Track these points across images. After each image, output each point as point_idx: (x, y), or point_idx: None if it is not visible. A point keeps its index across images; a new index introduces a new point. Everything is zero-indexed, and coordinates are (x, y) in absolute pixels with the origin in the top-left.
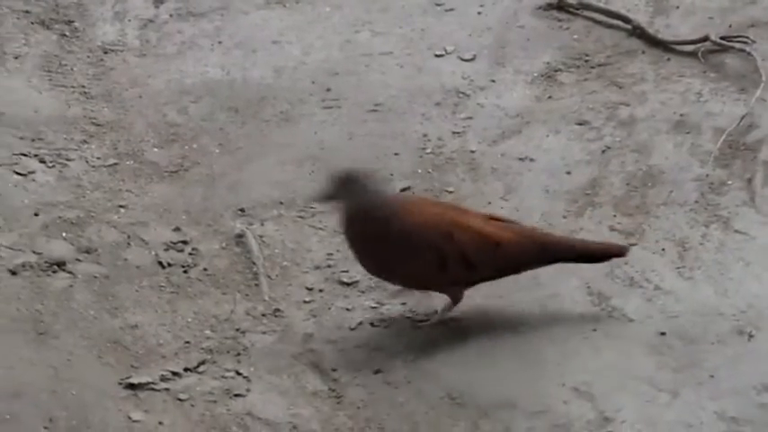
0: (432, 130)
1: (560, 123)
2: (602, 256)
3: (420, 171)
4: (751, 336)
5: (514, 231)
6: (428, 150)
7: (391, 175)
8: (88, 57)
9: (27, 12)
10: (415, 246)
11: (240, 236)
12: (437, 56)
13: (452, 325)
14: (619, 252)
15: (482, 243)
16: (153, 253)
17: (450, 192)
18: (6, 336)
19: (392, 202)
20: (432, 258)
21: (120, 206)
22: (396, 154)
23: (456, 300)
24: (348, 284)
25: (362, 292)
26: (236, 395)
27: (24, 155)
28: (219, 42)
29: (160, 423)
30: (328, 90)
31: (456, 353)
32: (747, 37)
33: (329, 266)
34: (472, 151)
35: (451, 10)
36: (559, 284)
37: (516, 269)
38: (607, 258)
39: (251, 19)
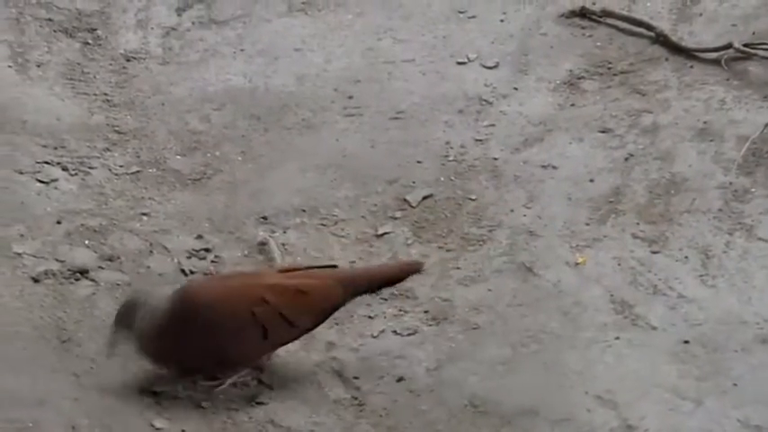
0: (454, 138)
1: (583, 131)
2: (401, 276)
3: (442, 179)
4: None
5: (315, 276)
6: (451, 158)
7: (413, 182)
8: (111, 65)
9: (50, 20)
10: (234, 323)
11: (263, 243)
12: (460, 63)
13: (475, 333)
14: (416, 269)
15: (292, 296)
16: (175, 260)
17: (473, 199)
18: (29, 343)
19: (181, 296)
20: (254, 329)
21: (143, 214)
22: (418, 161)
23: (263, 368)
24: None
25: (385, 299)
26: (258, 403)
27: (47, 163)
28: (242, 50)
29: (182, 431)
30: (350, 98)
31: (478, 361)
32: None
33: None
34: (495, 159)
35: (474, 17)
36: (582, 292)
37: (330, 311)
38: (406, 276)
39: (273, 27)
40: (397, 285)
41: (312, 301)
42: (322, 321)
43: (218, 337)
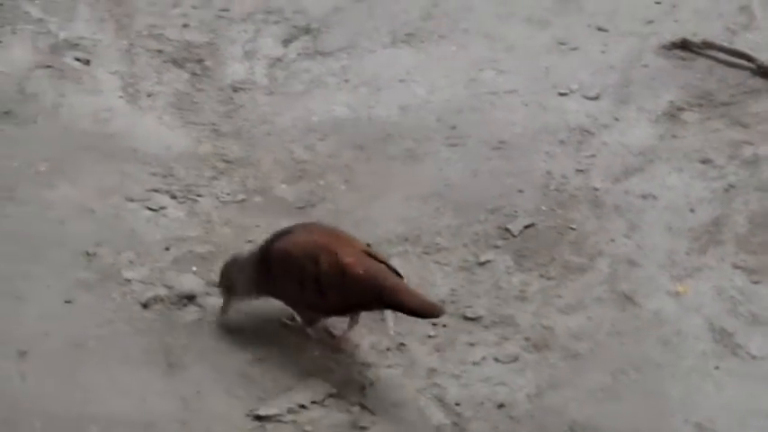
0: (555, 168)
1: (683, 162)
2: (422, 313)
3: (544, 208)
4: None
5: (366, 267)
6: (552, 187)
7: (515, 211)
8: (218, 95)
9: (160, 51)
10: (289, 266)
11: None
12: (561, 94)
13: (575, 361)
14: (435, 314)
15: (334, 269)
16: None
17: (574, 228)
18: (138, 367)
19: (263, 244)
20: (295, 278)
21: (249, 241)
22: (520, 191)
23: (309, 323)
24: (472, 319)
25: (486, 327)
26: (362, 428)
27: (156, 191)
28: (346, 81)
29: None
30: (453, 128)
31: (579, 388)
32: None
33: (453, 302)
34: (596, 188)
35: (576, 49)
36: (682, 321)
37: (358, 304)
38: (425, 317)
39: (377, 58)
40: (497, 312)
41: (346, 285)
42: (348, 310)
43: (278, 275)
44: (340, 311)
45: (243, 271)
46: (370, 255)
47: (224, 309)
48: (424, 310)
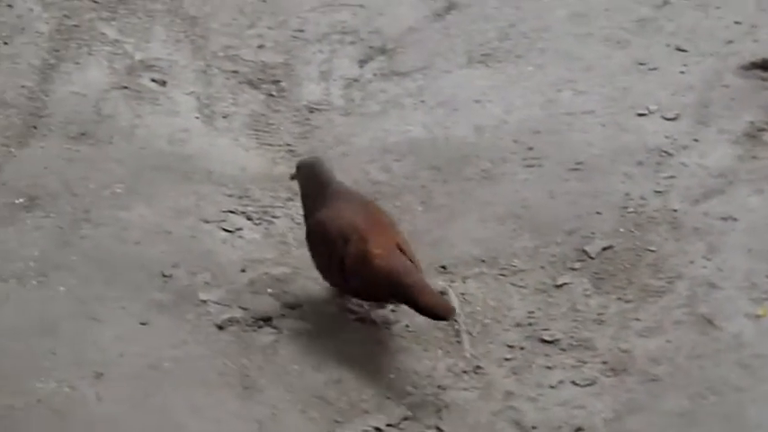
0: (634, 189)
1: (764, 183)
2: (433, 314)
3: (622, 230)
4: None
5: (389, 260)
6: (630, 209)
7: (593, 233)
8: (294, 115)
9: (236, 72)
10: (322, 240)
11: (442, 293)
12: (640, 115)
13: (654, 385)
14: (444, 316)
15: (359, 255)
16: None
17: (653, 250)
18: (214, 389)
19: (331, 194)
20: (331, 256)
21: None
22: (597, 213)
23: (338, 302)
24: (549, 342)
25: (563, 350)
26: None
27: (232, 212)
28: (422, 101)
29: None
30: (530, 149)
31: (657, 413)
32: None
33: (530, 324)
34: (674, 210)
35: (654, 69)
36: (763, 345)
37: (373, 295)
38: (436, 318)
39: (453, 78)
40: (574, 335)
41: (366, 273)
42: (365, 298)
43: (312, 243)
44: (359, 297)
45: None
46: (401, 248)
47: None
48: (435, 311)
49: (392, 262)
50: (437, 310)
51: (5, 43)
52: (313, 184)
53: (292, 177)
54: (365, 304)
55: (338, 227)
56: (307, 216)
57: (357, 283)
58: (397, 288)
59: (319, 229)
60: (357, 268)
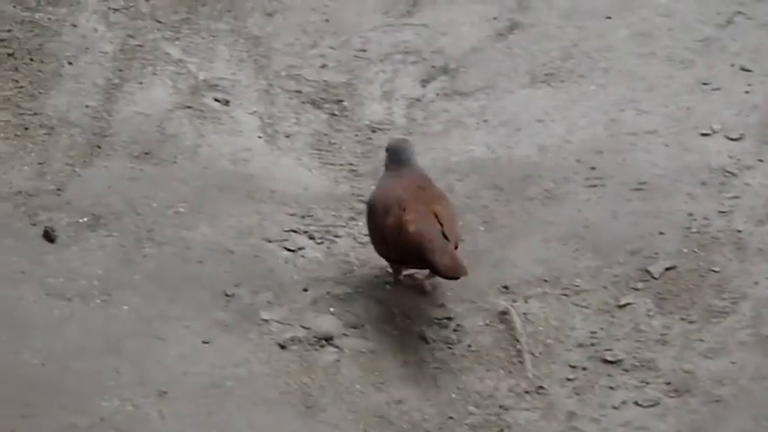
0: (697, 210)
1: None
2: (444, 275)
3: (685, 250)
4: None
5: (419, 229)
6: (693, 230)
7: (656, 253)
8: (356, 135)
9: (298, 92)
10: (372, 215)
11: (504, 313)
12: (703, 135)
13: (717, 406)
14: (454, 275)
15: (396, 223)
16: (418, 329)
17: (716, 271)
18: (276, 408)
19: (393, 175)
20: (377, 228)
21: (387, 282)
22: (661, 233)
23: (394, 272)
24: (612, 363)
25: (626, 370)
26: None
27: (294, 231)
28: (485, 121)
29: None
30: (593, 168)
31: None
32: None
33: (593, 344)
34: (739, 231)
35: (718, 89)
36: None
37: (408, 258)
38: (447, 278)
39: (516, 98)
40: (637, 356)
41: (399, 241)
42: (404, 263)
43: (369, 224)
44: (399, 262)
45: None
46: (437, 216)
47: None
48: (446, 272)
49: (420, 227)
50: (447, 272)
51: (70, 63)
52: (391, 163)
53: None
54: (415, 274)
55: (384, 201)
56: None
57: (395, 249)
58: (420, 251)
59: (371, 205)
60: (394, 235)
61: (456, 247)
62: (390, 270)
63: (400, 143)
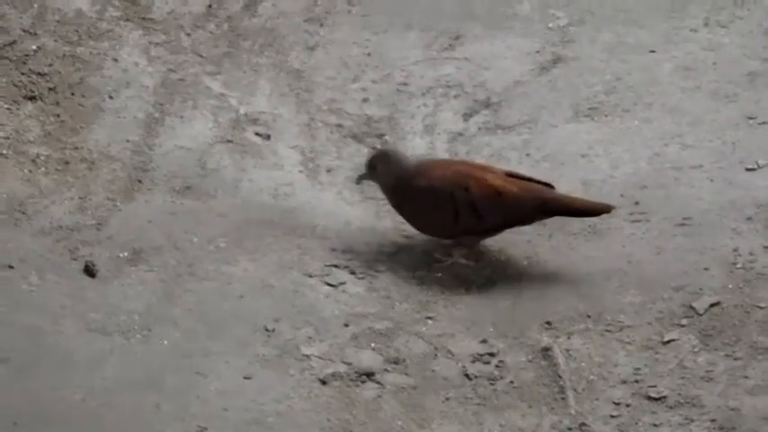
0: (743, 245)
1: None
2: (591, 211)
3: (730, 286)
4: None
5: (519, 186)
6: (739, 265)
7: (700, 289)
8: None
9: (340, 126)
10: (435, 197)
11: (547, 349)
12: (748, 170)
13: None
14: (606, 210)
15: (488, 193)
16: (460, 365)
17: (762, 307)
18: None
19: (418, 164)
20: (448, 208)
21: (428, 318)
22: (705, 268)
23: (470, 247)
24: (656, 399)
25: (671, 407)
26: None
27: (335, 266)
28: (527, 155)
29: None
30: (636, 203)
31: None
32: None
33: (636, 381)
34: None
35: (764, 123)
36: None
37: (519, 220)
38: (595, 214)
39: (559, 132)
40: (682, 393)
41: (502, 203)
42: (506, 227)
43: (421, 205)
44: (498, 230)
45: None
46: (512, 175)
47: (359, 179)
48: (593, 209)
49: (521, 186)
50: (594, 208)
51: (111, 97)
52: (392, 169)
53: (360, 178)
54: (454, 252)
55: (446, 180)
56: (395, 191)
57: (496, 217)
58: (543, 203)
59: (428, 189)
60: (492, 204)
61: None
62: (451, 253)
63: (389, 149)
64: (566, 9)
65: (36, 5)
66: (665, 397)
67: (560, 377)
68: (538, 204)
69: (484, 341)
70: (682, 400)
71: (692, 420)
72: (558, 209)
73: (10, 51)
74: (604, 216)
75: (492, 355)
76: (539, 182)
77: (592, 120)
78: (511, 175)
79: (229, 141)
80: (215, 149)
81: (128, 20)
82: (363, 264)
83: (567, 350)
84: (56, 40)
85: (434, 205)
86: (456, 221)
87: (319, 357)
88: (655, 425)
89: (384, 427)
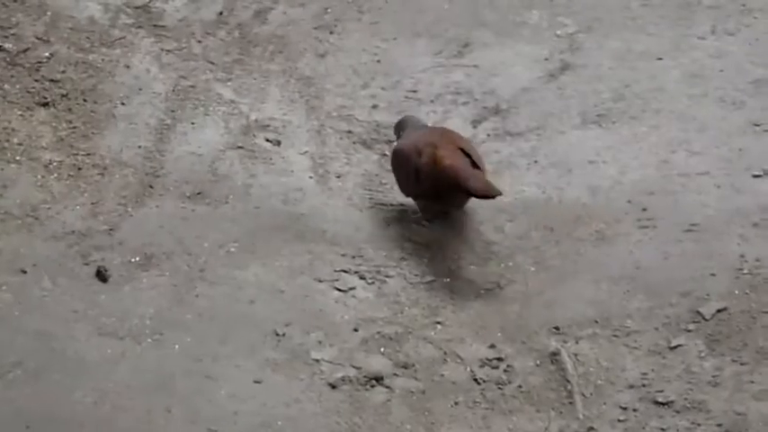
0: (749, 251)
1: None
2: (483, 195)
3: (737, 292)
4: None
5: (453, 161)
6: (745, 271)
7: (707, 295)
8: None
9: (349, 132)
10: (402, 160)
11: (555, 354)
12: (755, 176)
13: None
14: (489, 194)
15: (430, 160)
16: (468, 369)
17: None
18: None
19: (415, 131)
20: (408, 170)
21: (437, 322)
22: (712, 274)
23: (422, 210)
24: (663, 404)
25: (677, 412)
26: None
27: (345, 271)
28: (535, 162)
29: None
30: (644, 210)
31: None
32: None
33: (644, 386)
34: None
35: None
36: None
37: (444, 190)
38: (485, 197)
39: (567, 139)
40: (689, 397)
41: (435, 173)
42: (436, 196)
43: (393, 164)
44: (431, 197)
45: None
46: (464, 152)
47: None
48: (481, 192)
49: (453, 160)
50: (485, 192)
51: (123, 104)
52: (405, 130)
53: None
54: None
55: (413, 145)
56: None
57: (428, 184)
58: (457, 180)
59: (398, 151)
60: (428, 170)
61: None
62: (420, 211)
63: (409, 116)
64: (574, 17)
65: (49, 13)
66: (671, 401)
67: (568, 381)
68: (454, 180)
69: (492, 346)
70: (688, 405)
71: (699, 425)
72: (465, 188)
73: (23, 58)
74: (612, 222)
75: (500, 359)
76: (475, 164)
77: (600, 126)
78: (463, 150)
79: (240, 147)
80: (226, 155)
81: (140, 27)
82: (373, 269)
83: (575, 355)
84: (68, 47)
85: (399, 166)
86: (406, 182)
87: (329, 362)
88: (662, 429)
89: (393, 431)
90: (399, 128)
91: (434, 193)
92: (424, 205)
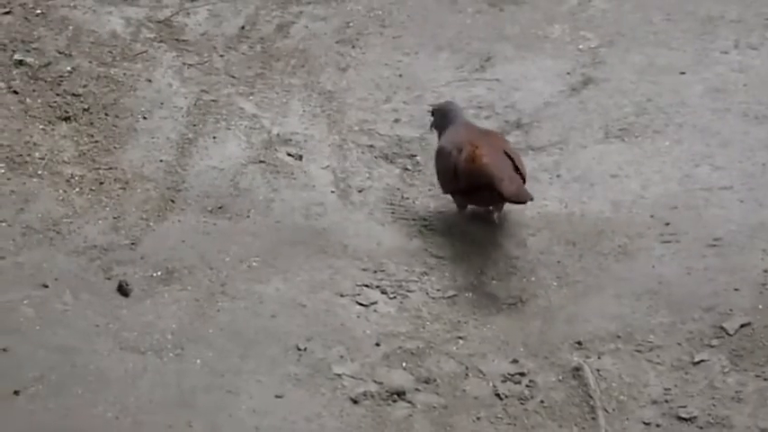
0: None
1: None
2: (513, 200)
3: (761, 307)
4: None
5: (492, 161)
6: None
7: (731, 310)
8: (429, 190)
9: (371, 146)
10: (443, 156)
11: (577, 369)
12: None
13: None
14: (520, 200)
15: (469, 157)
16: (491, 384)
17: None
18: None
19: (457, 125)
20: (448, 167)
21: (459, 337)
22: (735, 289)
23: (458, 206)
24: (686, 420)
25: (701, 428)
26: None
27: (367, 286)
28: (558, 176)
29: None
30: (667, 224)
31: None
32: None
33: (667, 401)
34: None
35: None
36: None
37: (479, 188)
38: (516, 203)
39: (589, 153)
40: (712, 413)
41: (474, 171)
42: (472, 192)
43: (437, 158)
44: (468, 193)
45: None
46: (507, 155)
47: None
48: (512, 197)
49: (492, 159)
50: (515, 198)
51: (144, 118)
52: (445, 121)
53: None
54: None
55: (455, 142)
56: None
57: (464, 180)
58: (492, 180)
59: (441, 149)
60: (467, 167)
61: (524, 181)
62: (456, 206)
63: (447, 104)
64: (596, 31)
65: (71, 27)
66: (695, 417)
67: (591, 397)
68: (488, 180)
69: (514, 361)
70: (712, 421)
71: None
72: (496, 190)
73: (45, 73)
74: (635, 237)
75: (522, 374)
76: (516, 169)
77: (622, 141)
78: (505, 152)
79: (262, 162)
80: (247, 170)
81: (161, 41)
82: (394, 283)
83: (598, 370)
84: (90, 62)
85: (440, 162)
86: (447, 180)
87: (351, 376)
88: None
89: None
90: (438, 115)
91: (470, 191)
92: (460, 201)
